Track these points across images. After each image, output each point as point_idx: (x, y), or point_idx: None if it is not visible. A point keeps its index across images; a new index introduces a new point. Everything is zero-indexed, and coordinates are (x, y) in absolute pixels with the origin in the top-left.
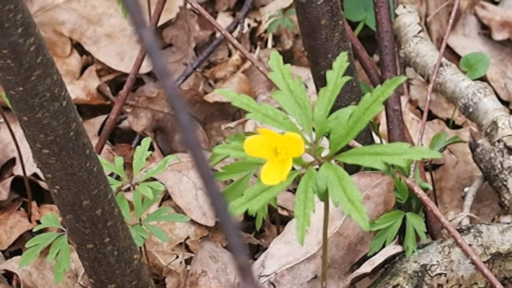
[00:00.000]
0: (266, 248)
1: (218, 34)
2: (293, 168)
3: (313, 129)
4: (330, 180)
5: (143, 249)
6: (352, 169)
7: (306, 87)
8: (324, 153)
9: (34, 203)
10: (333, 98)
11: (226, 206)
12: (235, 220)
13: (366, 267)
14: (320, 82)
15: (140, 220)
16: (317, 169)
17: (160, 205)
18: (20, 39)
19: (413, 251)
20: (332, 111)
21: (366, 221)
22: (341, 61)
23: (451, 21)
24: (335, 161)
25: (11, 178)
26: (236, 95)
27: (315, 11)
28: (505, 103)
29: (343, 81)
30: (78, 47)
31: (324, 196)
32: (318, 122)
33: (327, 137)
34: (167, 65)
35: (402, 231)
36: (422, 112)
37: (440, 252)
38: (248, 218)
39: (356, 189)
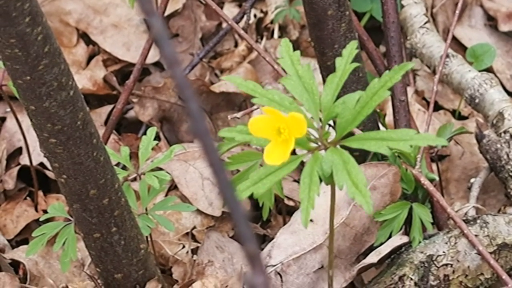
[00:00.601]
0: (272, 238)
1: (224, 25)
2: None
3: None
4: (335, 164)
5: (149, 239)
6: (359, 160)
7: None
8: (331, 139)
9: (40, 193)
10: (340, 84)
11: (235, 195)
12: (244, 209)
13: (373, 258)
14: (327, 72)
15: (146, 209)
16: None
17: (166, 195)
18: (28, 29)
19: (419, 242)
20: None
21: (369, 205)
22: (351, 49)
23: (457, 12)
24: (342, 146)
25: (18, 167)
26: (242, 80)
27: (321, 2)
28: (511, 94)
29: (352, 67)
30: (84, 37)
31: (329, 180)
32: (325, 107)
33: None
34: (176, 54)
35: (408, 221)
36: (428, 103)
37: (446, 243)
38: (255, 208)
39: (361, 173)
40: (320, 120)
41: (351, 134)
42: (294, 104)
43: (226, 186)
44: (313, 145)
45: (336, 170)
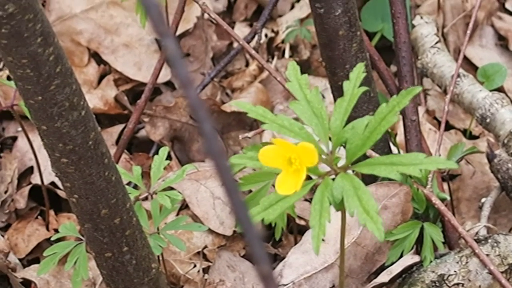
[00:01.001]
0: (283, 258)
1: (235, 44)
2: (310, 178)
3: (330, 139)
4: (346, 190)
5: (161, 258)
6: (370, 179)
7: (324, 97)
8: (341, 163)
9: (51, 212)
10: (349, 108)
11: (249, 216)
12: (258, 230)
13: (384, 277)
14: (338, 92)
15: (158, 229)
16: (333, 179)
17: (177, 214)
18: (39, 49)
19: (431, 261)
20: (350, 121)
21: (381, 232)
22: (358, 72)
23: (468, 32)
24: (352, 171)
25: (29, 186)
26: (251, 106)
27: (333, 22)
28: None
29: (360, 92)
30: (95, 56)
31: (340, 206)
32: (334, 132)
33: (344, 147)
34: (190, 75)
35: (419, 241)
36: (439, 122)
37: (457, 262)
38: (266, 227)
39: (372, 199)
40: (330, 143)
41: (362, 157)
42: (303, 130)
43: (240, 206)
44: (323, 170)
45: (346, 197)
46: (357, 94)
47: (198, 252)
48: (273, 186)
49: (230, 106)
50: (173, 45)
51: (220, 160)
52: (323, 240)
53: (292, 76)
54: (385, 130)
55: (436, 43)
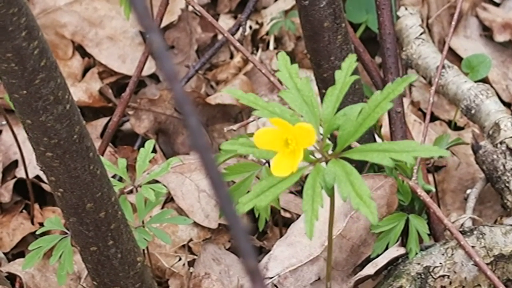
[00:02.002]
0: (269, 250)
1: (220, 36)
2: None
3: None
4: (338, 176)
5: (146, 252)
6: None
7: None
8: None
9: (36, 206)
10: (341, 96)
11: (235, 210)
12: (244, 224)
13: (369, 269)
14: (323, 84)
15: (143, 222)
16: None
17: (162, 207)
18: (24, 43)
19: (416, 253)
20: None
21: (374, 215)
22: (350, 61)
23: (453, 23)
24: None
25: (14, 180)
26: (242, 93)
27: (317, 14)
28: (506, 104)
29: (352, 80)
30: (80, 49)
31: (331, 192)
32: (326, 119)
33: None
34: (176, 70)
35: (405, 233)
36: (424, 113)
37: (443, 254)
38: (251, 220)
39: (364, 184)
40: (321, 132)
41: (349, 146)
42: (294, 116)
43: (226, 201)
44: (314, 157)
45: (339, 182)
46: (348, 82)
47: (183, 245)
48: (257, 178)
49: (215, 99)
50: (159, 39)
51: (205, 154)
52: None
53: (282, 66)
54: (378, 117)
55: (421, 34)
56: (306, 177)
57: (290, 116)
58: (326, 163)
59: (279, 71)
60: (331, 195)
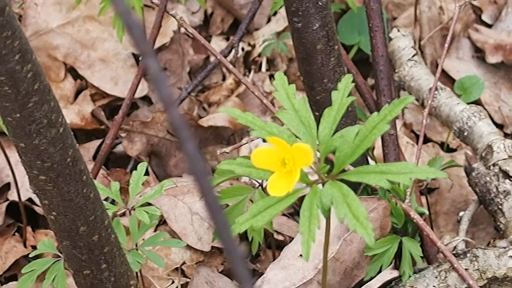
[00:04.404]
0: (262, 273)
1: (212, 58)
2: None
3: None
4: (335, 197)
5: (139, 275)
6: None
7: None
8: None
9: (29, 228)
10: (338, 117)
11: (232, 236)
12: (241, 250)
13: None
14: (316, 106)
15: (136, 245)
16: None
17: (155, 230)
18: (17, 66)
19: (410, 276)
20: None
21: (371, 237)
22: (347, 82)
23: (446, 45)
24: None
25: (6, 203)
26: (241, 112)
27: (311, 36)
28: (499, 126)
29: (349, 101)
30: (72, 71)
31: (328, 213)
32: (323, 140)
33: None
34: (173, 95)
35: (398, 255)
36: (416, 135)
37: (436, 277)
38: (244, 243)
39: (361, 206)
40: (318, 153)
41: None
42: (292, 137)
43: (223, 226)
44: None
45: (336, 203)
46: (345, 104)
47: (176, 268)
48: (251, 201)
49: (208, 121)
50: (155, 65)
51: (203, 179)
52: (301, 255)
53: (279, 86)
54: (375, 138)
55: (413, 56)
56: (299, 199)
57: (288, 136)
58: (323, 184)
59: (272, 92)
60: (328, 216)
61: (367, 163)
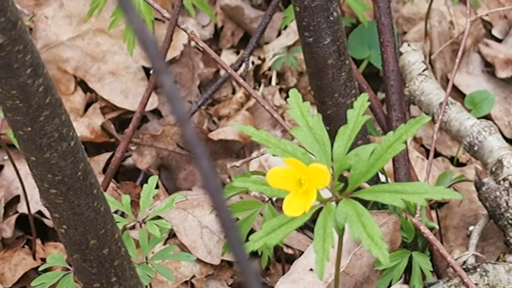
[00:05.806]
0: (271, 287)
1: (222, 72)
2: None
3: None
4: (350, 216)
5: None
6: None
7: None
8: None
9: (38, 241)
10: (353, 136)
11: (246, 253)
12: (254, 267)
13: None
14: (327, 121)
15: (146, 258)
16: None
17: (165, 244)
18: (29, 80)
19: None
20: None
21: (386, 257)
22: (363, 100)
23: (457, 60)
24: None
25: (16, 215)
26: (255, 130)
27: (322, 51)
28: (509, 141)
29: (364, 120)
30: (82, 84)
31: (342, 232)
32: (337, 158)
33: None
34: (187, 112)
35: (408, 270)
36: (426, 150)
37: None
38: (253, 256)
39: (376, 225)
40: (332, 170)
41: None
42: (306, 155)
43: (237, 242)
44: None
45: (350, 222)
46: (361, 122)
47: (186, 282)
48: (261, 214)
49: (218, 134)
50: (170, 82)
51: (217, 196)
52: (311, 269)
53: (293, 103)
54: (390, 157)
55: (424, 70)
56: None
57: (302, 154)
58: (337, 203)
59: (282, 106)
60: (341, 235)
61: (378, 177)
